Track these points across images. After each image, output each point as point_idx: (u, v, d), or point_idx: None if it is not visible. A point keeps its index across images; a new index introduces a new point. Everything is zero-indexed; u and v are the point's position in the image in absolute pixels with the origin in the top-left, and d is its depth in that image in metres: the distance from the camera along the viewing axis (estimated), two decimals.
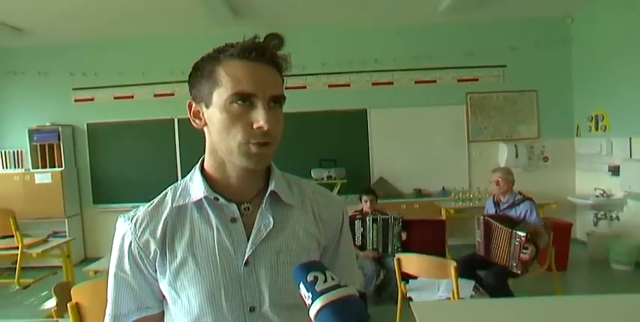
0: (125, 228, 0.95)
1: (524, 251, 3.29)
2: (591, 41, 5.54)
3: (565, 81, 5.94)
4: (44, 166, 5.78)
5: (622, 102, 5.00)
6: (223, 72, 0.88)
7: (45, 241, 4.39)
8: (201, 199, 0.93)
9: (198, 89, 0.92)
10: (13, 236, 4.11)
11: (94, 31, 5.58)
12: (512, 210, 3.72)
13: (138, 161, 5.98)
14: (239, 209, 0.94)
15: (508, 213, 3.71)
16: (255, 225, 0.93)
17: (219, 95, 0.88)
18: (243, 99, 0.87)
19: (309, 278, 0.71)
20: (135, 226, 0.94)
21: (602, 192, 5.21)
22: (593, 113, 5.51)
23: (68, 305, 2.06)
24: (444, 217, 5.19)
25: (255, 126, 0.86)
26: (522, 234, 3.28)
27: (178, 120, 5.87)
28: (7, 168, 5.78)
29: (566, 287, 4.06)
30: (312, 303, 0.69)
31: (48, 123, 5.85)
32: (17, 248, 4.04)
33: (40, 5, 4.56)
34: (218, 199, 0.93)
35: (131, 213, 0.97)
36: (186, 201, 0.94)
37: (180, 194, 0.96)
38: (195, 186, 0.95)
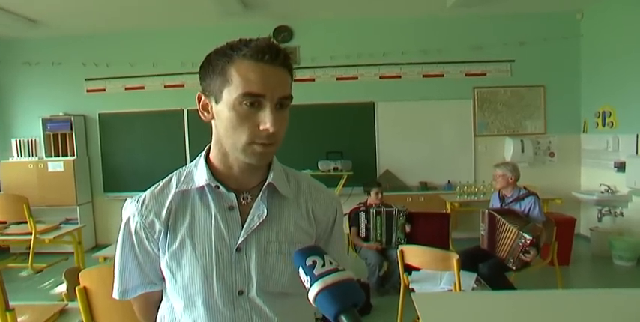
0: (133, 210, 1.01)
1: (526, 254, 3.33)
2: (600, 37, 5.49)
3: (573, 76, 5.89)
4: (57, 155, 5.88)
5: (630, 98, 4.97)
6: (235, 71, 0.89)
7: (57, 228, 4.52)
8: (203, 186, 0.98)
9: (208, 83, 0.94)
10: (27, 222, 4.23)
11: (106, 23, 5.63)
12: (517, 205, 3.74)
13: (148, 151, 6.06)
14: (238, 198, 0.99)
15: (513, 207, 3.74)
16: (249, 215, 0.98)
17: (229, 93, 0.90)
18: (252, 100, 0.88)
19: (308, 262, 0.72)
20: (141, 207, 1.00)
21: (606, 188, 5.20)
22: (600, 109, 5.48)
23: (77, 289, 2.13)
24: (449, 210, 5.23)
25: (261, 127, 0.89)
26: (529, 237, 3.30)
27: (188, 110, 5.92)
28: (21, 156, 5.88)
29: (568, 282, 4.10)
30: (310, 286, 0.70)
31: (61, 113, 5.96)
32: (31, 234, 4.16)
33: None
34: (219, 187, 0.98)
35: (138, 196, 1.03)
36: (190, 187, 1.00)
37: (184, 179, 1.01)
38: (198, 173, 1.00)
